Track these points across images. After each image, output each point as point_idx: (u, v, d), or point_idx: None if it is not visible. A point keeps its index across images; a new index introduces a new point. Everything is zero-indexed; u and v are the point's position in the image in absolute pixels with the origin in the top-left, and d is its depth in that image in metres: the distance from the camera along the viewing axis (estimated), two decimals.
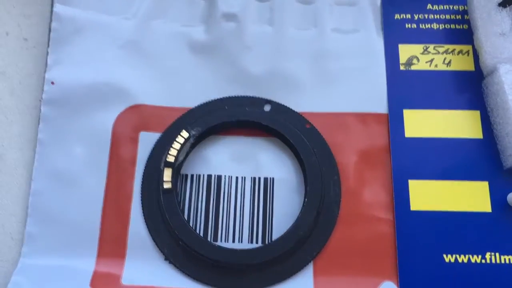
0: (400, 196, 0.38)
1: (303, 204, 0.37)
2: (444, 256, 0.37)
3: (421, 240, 0.37)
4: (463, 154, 0.39)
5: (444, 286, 0.36)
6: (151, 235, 0.37)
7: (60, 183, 0.38)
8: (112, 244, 0.37)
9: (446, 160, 0.39)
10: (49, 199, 0.38)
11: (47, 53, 0.41)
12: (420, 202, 0.38)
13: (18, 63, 0.42)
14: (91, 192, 0.38)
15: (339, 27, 0.43)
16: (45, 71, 0.41)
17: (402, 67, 0.42)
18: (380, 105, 0.41)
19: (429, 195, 0.38)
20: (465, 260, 0.36)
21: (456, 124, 0.40)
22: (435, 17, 0.43)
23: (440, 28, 0.43)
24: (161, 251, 0.37)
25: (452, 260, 0.36)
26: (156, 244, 0.37)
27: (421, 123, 0.40)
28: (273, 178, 0.39)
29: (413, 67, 0.42)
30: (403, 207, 0.38)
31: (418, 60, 0.42)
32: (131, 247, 0.37)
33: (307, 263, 0.37)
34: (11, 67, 0.42)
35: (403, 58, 0.42)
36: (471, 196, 0.38)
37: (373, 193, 0.38)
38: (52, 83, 0.41)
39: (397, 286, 0.36)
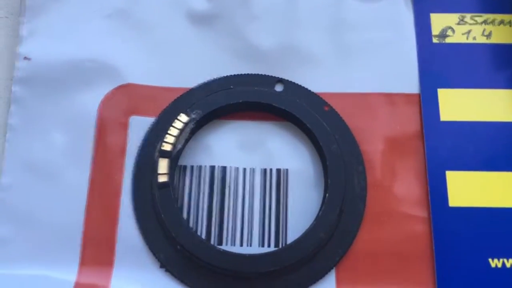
0: (437, 190, 0.35)
1: (323, 200, 0.34)
2: (490, 260, 0.34)
3: (462, 241, 0.34)
4: (509, 141, 0.36)
5: None
6: (144, 238, 0.34)
7: (35, 177, 0.36)
8: (97, 249, 0.34)
9: (489, 147, 0.36)
10: (22, 195, 0.35)
11: (21, 23, 0.38)
12: (460, 197, 0.35)
13: None
14: (72, 187, 0.35)
15: None
16: (18, 45, 0.38)
17: (435, 40, 0.39)
18: (410, 84, 0.38)
19: (470, 189, 0.35)
20: None
21: (499, 105, 0.37)
22: None
23: None
24: (156, 257, 0.34)
25: (499, 265, 0.34)
26: (150, 248, 0.34)
27: (459, 105, 0.37)
28: (287, 170, 0.36)
29: (447, 40, 0.39)
30: (440, 203, 0.35)
31: (453, 31, 0.39)
32: (120, 252, 0.34)
33: (329, 271, 0.34)
34: None
35: (436, 30, 0.39)
36: None
37: (404, 186, 0.36)
38: (26, 58, 0.38)
39: None
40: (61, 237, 0.34)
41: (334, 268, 0.34)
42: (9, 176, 0.35)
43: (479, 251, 0.34)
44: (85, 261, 0.34)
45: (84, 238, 0.34)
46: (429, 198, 0.35)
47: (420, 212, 0.35)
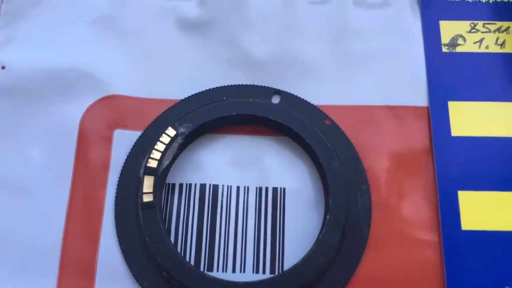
0: (448, 212, 0.33)
1: (324, 222, 0.32)
2: None
3: (477, 268, 0.32)
4: None
5: None
6: (128, 263, 0.32)
7: (11, 194, 0.34)
8: (76, 274, 0.32)
9: (505, 165, 0.34)
10: None
11: None
12: (473, 219, 0.33)
13: None
14: (50, 206, 0.34)
15: (364, 0, 0.39)
16: None
17: (444, 49, 0.37)
18: (418, 96, 0.36)
19: (485, 211, 0.33)
20: None
21: None
22: None
23: (490, 1, 0.39)
24: (140, 284, 0.32)
25: None
26: (134, 274, 0.32)
27: (471, 119, 0.35)
28: (284, 189, 0.34)
29: (458, 49, 0.37)
30: (452, 226, 0.33)
31: (464, 40, 0.38)
32: (100, 279, 0.32)
33: None
34: None
35: (445, 38, 0.38)
36: None
37: (412, 207, 0.34)
38: (3, 67, 0.36)
39: None
40: (36, 261, 0.32)
41: None
42: None
43: (495, 279, 0.32)
44: (62, 287, 0.32)
45: (62, 263, 0.32)
46: (440, 220, 0.33)
47: (430, 236, 0.33)
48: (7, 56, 0.36)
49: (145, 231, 0.31)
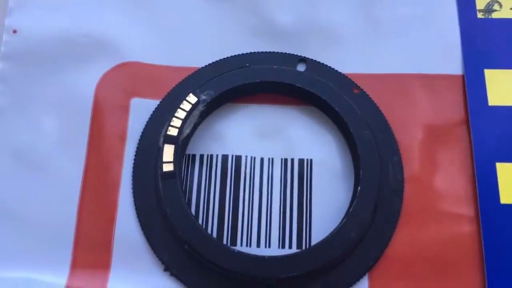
0: (486, 185, 0.32)
1: (354, 194, 0.31)
2: None
3: None
4: None
5: None
6: (146, 236, 0.32)
7: (23, 166, 0.33)
8: (92, 249, 0.32)
9: None
10: (7, 187, 0.33)
11: None
12: None
13: None
14: (64, 178, 0.33)
15: None
16: (4, 17, 0.36)
17: (480, 15, 0.36)
18: (452, 64, 0.35)
19: None
20: None
21: None
22: None
23: None
24: (160, 258, 0.31)
25: None
26: (153, 248, 0.31)
27: (510, 87, 0.34)
28: (311, 160, 0.33)
29: (494, 15, 0.36)
30: (490, 200, 0.32)
31: (500, 5, 0.36)
32: (118, 253, 0.31)
33: (360, 277, 0.31)
34: None
35: (480, 4, 0.36)
36: None
37: (447, 180, 0.33)
38: (14, 31, 0.35)
39: None
40: (51, 235, 0.32)
41: (366, 274, 0.31)
42: None
43: None
44: (77, 263, 0.31)
45: (77, 237, 0.32)
46: (477, 194, 0.32)
47: (467, 210, 0.32)
48: (19, 21, 0.35)
49: (165, 202, 0.31)
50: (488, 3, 0.36)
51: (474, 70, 0.35)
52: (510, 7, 0.36)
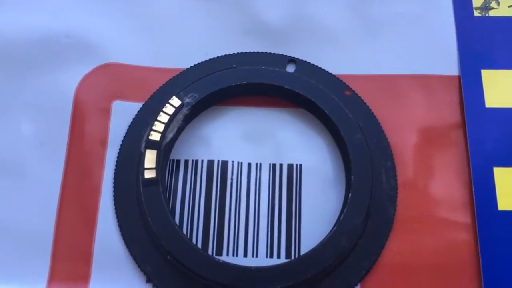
0: (483, 191, 0.32)
1: (345, 201, 0.31)
2: None
3: None
4: None
5: None
6: (128, 246, 0.31)
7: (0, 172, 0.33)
8: (70, 260, 0.31)
9: None
10: None
11: None
12: (511, 198, 0.32)
13: None
14: (42, 184, 0.32)
15: None
16: None
17: (476, 13, 0.36)
18: (448, 64, 0.35)
19: None
20: None
21: None
22: None
23: None
24: (142, 270, 0.31)
25: None
26: (135, 259, 0.31)
27: (507, 89, 0.34)
28: (300, 165, 0.33)
29: (491, 13, 0.36)
30: (487, 206, 0.32)
31: (497, 3, 0.36)
32: (97, 264, 0.31)
33: (353, 287, 0.30)
34: None
35: (477, 1, 0.36)
36: None
37: (442, 186, 0.32)
38: None
39: None
40: (28, 245, 0.31)
41: (358, 284, 0.31)
42: None
43: None
44: (55, 275, 0.31)
45: (55, 247, 0.31)
46: (474, 200, 0.32)
47: (463, 217, 0.32)
48: None
49: (147, 210, 0.30)
50: (485, 0, 0.36)
51: (470, 71, 0.34)
52: (508, 4, 0.36)
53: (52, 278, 0.30)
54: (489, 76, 0.34)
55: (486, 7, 0.36)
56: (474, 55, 0.35)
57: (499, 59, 0.35)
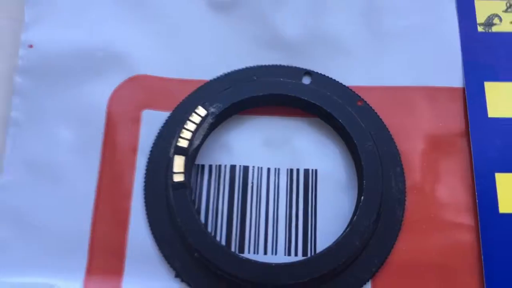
0: (485, 195, 0.33)
1: (358, 204, 0.32)
2: None
3: None
4: None
5: None
6: (158, 244, 0.32)
7: (39, 176, 0.33)
8: (106, 256, 0.32)
9: None
10: (23, 196, 0.33)
11: (25, 8, 0.36)
12: (511, 202, 0.32)
13: None
14: (79, 188, 0.33)
15: None
16: (21, 32, 0.36)
17: (480, 29, 0.36)
18: (453, 76, 0.35)
19: None
20: None
21: None
22: None
23: None
24: (171, 265, 0.32)
25: None
26: (164, 256, 0.32)
27: (509, 100, 0.35)
28: (316, 170, 0.34)
29: (494, 29, 0.36)
30: (489, 209, 0.32)
31: (500, 19, 0.36)
32: (130, 260, 0.32)
33: (364, 283, 0.31)
34: None
35: (481, 17, 0.37)
36: None
37: (448, 190, 0.33)
38: (31, 46, 0.36)
39: None
40: (66, 242, 0.32)
41: (370, 280, 0.31)
42: (10, 174, 0.33)
43: None
44: (92, 269, 0.32)
45: (91, 244, 0.32)
46: (477, 203, 0.32)
47: (466, 219, 0.32)
48: (35, 35, 0.36)
49: (176, 212, 0.31)
50: (488, 16, 0.36)
51: (474, 83, 0.35)
52: (510, 20, 0.36)
53: (89, 271, 0.31)
54: (491, 88, 0.34)
55: (489, 23, 0.36)
56: (478, 68, 0.35)
57: (501, 72, 0.35)
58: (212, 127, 0.33)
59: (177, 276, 0.31)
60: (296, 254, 0.32)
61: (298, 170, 0.34)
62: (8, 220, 0.32)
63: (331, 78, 0.35)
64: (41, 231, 0.32)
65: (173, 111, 0.34)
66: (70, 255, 0.32)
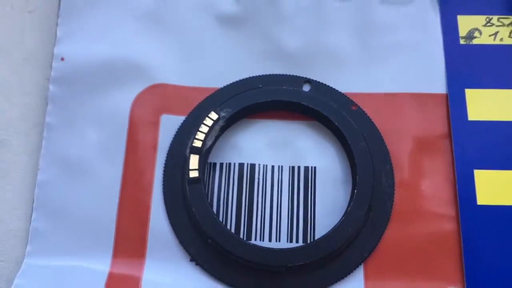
0: (465, 189, 0.34)
1: (352, 196, 0.34)
2: None
3: (491, 239, 0.33)
4: None
5: None
6: (175, 231, 0.34)
7: (71, 173, 0.36)
8: (130, 242, 0.34)
9: None
10: (58, 190, 0.35)
11: (57, 25, 0.38)
12: (488, 195, 0.34)
13: (23, 37, 0.39)
14: (106, 183, 0.35)
15: None
16: (54, 46, 0.38)
17: (462, 41, 0.38)
18: (438, 84, 0.37)
19: (498, 187, 0.34)
20: None
21: None
22: None
23: None
24: (187, 250, 0.34)
25: None
26: (181, 242, 0.34)
27: (486, 105, 0.36)
28: (315, 167, 0.36)
29: (474, 41, 0.38)
30: (468, 202, 0.34)
31: (480, 33, 0.38)
32: (151, 245, 0.34)
33: (357, 266, 0.33)
34: (14, 42, 0.39)
35: (463, 31, 0.38)
36: None
37: (432, 185, 0.35)
38: (62, 59, 0.38)
39: None
40: (95, 230, 0.34)
41: (362, 263, 0.33)
42: (46, 172, 0.36)
43: (508, 249, 0.33)
44: (118, 253, 0.34)
45: (117, 232, 0.34)
46: (457, 196, 0.34)
47: (448, 210, 0.34)
48: (66, 49, 0.38)
49: (192, 203, 0.33)
50: (470, 30, 0.38)
51: (456, 90, 0.36)
52: (489, 34, 0.38)
53: (115, 255, 0.33)
54: (471, 94, 0.36)
55: (470, 36, 0.38)
56: (459, 77, 0.37)
57: (480, 80, 0.36)
58: (223, 129, 0.36)
59: (192, 260, 0.34)
60: (297, 241, 0.34)
61: (299, 167, 0.36)
62: (44, 213, 0.35)
63: (328, 86, 0.37)
64: (73, 220, 0.34)
65: (188, 115, 0.36)
66: (99, 241, 0.34)
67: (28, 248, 0.34)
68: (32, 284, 0.33)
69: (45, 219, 0.35)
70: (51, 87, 0.37)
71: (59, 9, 0.39)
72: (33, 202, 0.35)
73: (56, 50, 0.38)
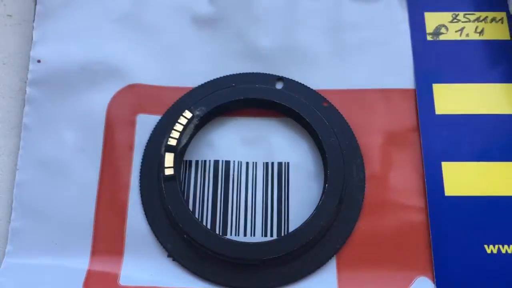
0: (433, 181, 0.35)
1: (323, 190, 0.34)
2: (486, 246, 0.34)
3: (459, 229, 0.34)
4: (501, 132, 0.36)
5: (486, 280, 0.33)
6: (152, 228, 0.35)
7: (49, 173, 0.36)
8: (108, 240, 0.35)
9: (483, 139, 0.36)
10: (37, 190, 0.36)
11: (33, 28, 0.39)
12: (455, 186, 0.35)
13: (0, 41, 0.40)
14: (83, 182, 0.36)
15: None
16: (30, 49, 0.38)
17: (429, 38, 0.39)
18: (406, 79, 0.38)
19: (465, 179, 0.35)
20: (510, 251, 0.34)
21: (491, 99, 0.37)
22: None
23: None
24: (164, 247, 0.34)
25: (495, 251, 0.34)
26: (158, 238, 0.35)
27: (453, 99, 0.37)
28: (288, 163, 0.36)
29: (441, 37, 0.39)
30: (436, 193, 0.35)
31: (446, 29, 0.39)
32: (129, 243, 0.34)
33: (330, 258, 0.34)
34: None
35: (430, 28, 0.39)
36: None
37: (401, 177, 0.36)
38: (39, 61, 0.38)
39: (433, 281, 0.33)
40: (73, 229, 0.35)
41: (334, 255, 0.34)
42: (24, 173, 0.36)
43: (475, 238, 0.34)
44: (96, 251, 0.34)
45: (95, 230, 0.35)
46: (426, 188, 0.35)
47: (417, 202, 0.35)
48: (42, 51, 0.38)
49: (167, 201, 0.34)
50: (436, 27, 0.39)
51: (424, 85, 0.37)
52: (455, 30, 0.39)
53: (93, 253, 0.34)
54: (438, 89, 0.37)
55: (437, 33, 0.38)
56: (427, 72, 0.37)
57: (447, 75, 0.37)
58: (198, 127, 0.36)
59: (169, 255, 0.34)
60: (271, 235, 0.34)
61: (272, 163, 0.36)
62: (23, 212, 0.35)
63: (300, 83, 0.38)
64: (51, 220, 0.35)
65: (164, 114, 0.37)
66: (77, 239, 0.34)
67: (8, 247, 0.35)
68: (12, 282, 0.33)
69: (24, 219, 0.35)
70: (28, 89, 0.37)
71: (35, 12, 0.39)
72: (12, 202, 0.36)
73: (32, 53, 0.38)
